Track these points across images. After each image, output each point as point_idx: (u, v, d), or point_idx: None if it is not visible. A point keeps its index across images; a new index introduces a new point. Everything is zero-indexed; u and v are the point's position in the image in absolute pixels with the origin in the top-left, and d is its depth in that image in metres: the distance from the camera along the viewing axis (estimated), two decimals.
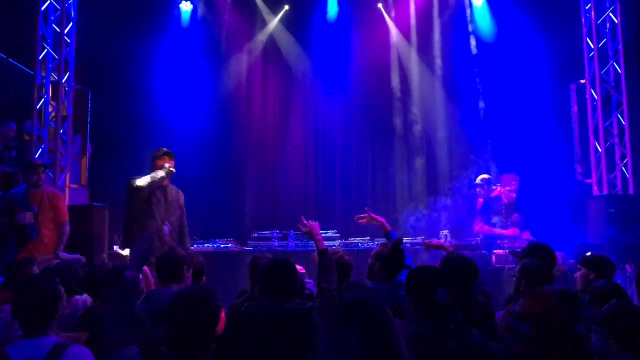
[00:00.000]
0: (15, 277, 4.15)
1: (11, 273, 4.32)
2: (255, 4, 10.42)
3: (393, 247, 3.95)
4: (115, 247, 7.86)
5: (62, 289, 2.93)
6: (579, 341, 2.31)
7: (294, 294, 3.01)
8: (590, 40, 8.09)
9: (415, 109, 10.10)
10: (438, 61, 10.05)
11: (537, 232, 7.49)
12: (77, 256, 5.73)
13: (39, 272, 3.96)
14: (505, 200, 7.93)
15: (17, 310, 2.73)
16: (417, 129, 10.08)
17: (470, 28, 9.97)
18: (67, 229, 6.11)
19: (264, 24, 10.50)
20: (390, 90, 10.26)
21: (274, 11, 10.51)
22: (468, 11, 10.04)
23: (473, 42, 9.87)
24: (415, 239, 8.54)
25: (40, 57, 7.62)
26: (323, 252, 3.81)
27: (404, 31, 10.33)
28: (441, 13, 10.11)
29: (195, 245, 8.14)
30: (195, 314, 2.35)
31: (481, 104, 9.51)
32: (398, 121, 10.15)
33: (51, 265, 4.28)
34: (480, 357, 2.51)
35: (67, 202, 7.39)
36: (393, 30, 10.39)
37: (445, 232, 8.19)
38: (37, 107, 7.55)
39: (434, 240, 5.18)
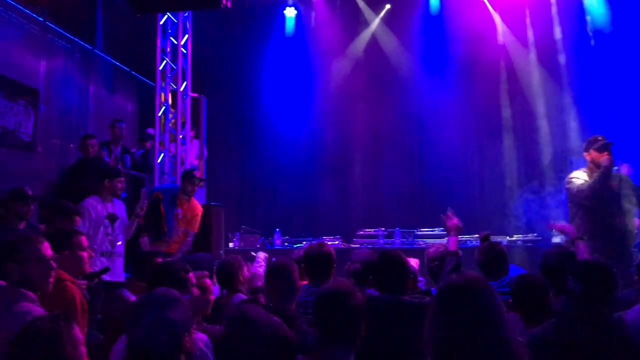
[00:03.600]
0: (142, 270, 4.46)
1: (139, 265, 4.67)
2: (357, 5, 10.56)
3: (483, 241, 4.04)
4: (231, 244, 8.31)
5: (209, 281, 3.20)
6: None
7: (405, 286, 3.10)
8: None
9: (524, 102, 9.77)
10: (546, 51, 9.64)
11: None
12: None
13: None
14: None
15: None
16: (526, 122, 9.75)
17: (582, 16, 9.48)
18: (191, 240, 6.42)
19: (366, 24, 10.62)
20: (496, 84, 9.99)
21: (376, 11, 10.59)
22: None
23: (586, 30, 9.38)
24: (527, 236, 8.28)
25: (160, 68, 8.15)
26: (452, 253, 3.92)
27: (509, 22, 10.01)
28: (548, 1, 9.68)
29: (304, 243, 8.43)
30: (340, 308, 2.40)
31: (595, 95, 9.03)
32: (506, 115, 9.87)
33: (186, 258, 4.62)
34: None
35: None
36: (498, 21, 10.10)
37: None
38: (159, 114, 8.10)
39: (559, 224, 4.87)
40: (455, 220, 4.07)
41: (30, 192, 5.23)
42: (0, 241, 2.91)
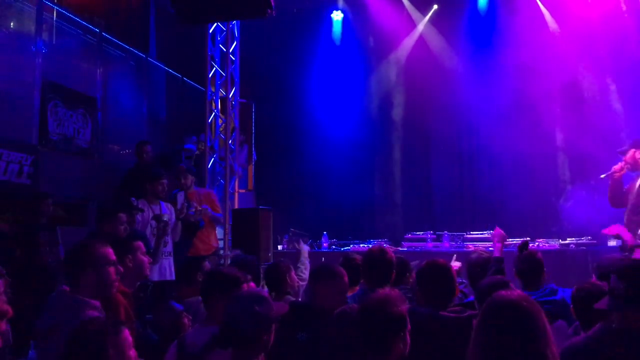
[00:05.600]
0: (189, 274, 4.55)
1: (187, 271, 4.77)
2: (403, 7, 10.52)
3: (520, 250, 3.93)
4: (279, 247, 8.43)
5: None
6: None
7: (452, 298, 3.08)
8: None
9: (572, 104, 9.49)
10: (599, 52, 9.30)
11: None
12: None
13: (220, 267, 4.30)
14: None
15: (203, 298, 3.05)
16: (580, 123, 9.45)
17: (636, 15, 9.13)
18: (221, 217, 6.77)
19: (413, 25, 10.56)
20: (548, 85, 9.73)
21: (423, 11, 10.52)
22: None
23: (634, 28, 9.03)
24: (580, 239, 8.06)
25: (210, 75, 8.35)
26: (497, 259, 3.94)
27: (561, 19, 9.73)
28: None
29: (351, 246, 8.47)
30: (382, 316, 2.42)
31: None
32: (558, 116, 9.61)
33: (231, 261, 4.73)
34: None
35: (235, 206, 8.11)
36: (549, 19, 9.85)
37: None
38: (209, 120, 8.30)
39: (614, 228, 4.63)
40: (499, 230, 4.21)
41: (135, 203, 5.59)
42: (74, 247, 3.04)
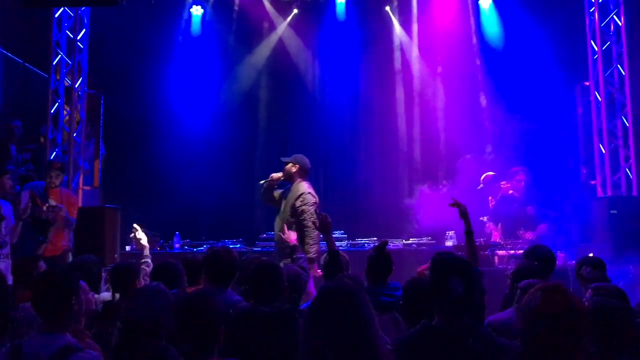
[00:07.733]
0: (22, 276, 4.22)
1: (18, 272, 4.43)
2: (264, 8, 10.56)
3: (377, 250, 4.06)
4: (127, 247, 8.09)
5: (85, 285, 3.14)
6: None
7: (281, 295, 3.19)
8: (595, 43, 8.12)
9: (419, 111, 10.21)
10: (442, 63, 10.10)
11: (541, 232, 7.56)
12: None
13: (56, 268, 4.02)
14: (517, 195, 7.91)
15: (34, 304, 2.75)
16: (419, 130, 10.20)
17: (476, 30, 10.03)
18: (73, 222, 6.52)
19: (273, 27, 10.64)
20: (399, 90, 10.36)
21: (283, 15, 10.64)
22: (474, 13, 10.12)
23: (479, 44, 9.94)
24: (421, 240, 8.62)
25: (54, 63, 7.83)
26: (335, 253, 4.02)
27: (410, 33, 10.41)
28: (447, 15, 10.09)
29: (204, 246, 8.34)
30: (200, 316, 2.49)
31: (484, 103, 9.63)
32: (402, 122, 10.25)
33: (68, 263, 4.45)
34: (492, 353, 2.46)
35: (80, 204, 7.65)
36: (399, 32, 10.46)
37: (451, 233, 8.24)
38: (52, 111, 7.77)
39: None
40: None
41: None
42: None
